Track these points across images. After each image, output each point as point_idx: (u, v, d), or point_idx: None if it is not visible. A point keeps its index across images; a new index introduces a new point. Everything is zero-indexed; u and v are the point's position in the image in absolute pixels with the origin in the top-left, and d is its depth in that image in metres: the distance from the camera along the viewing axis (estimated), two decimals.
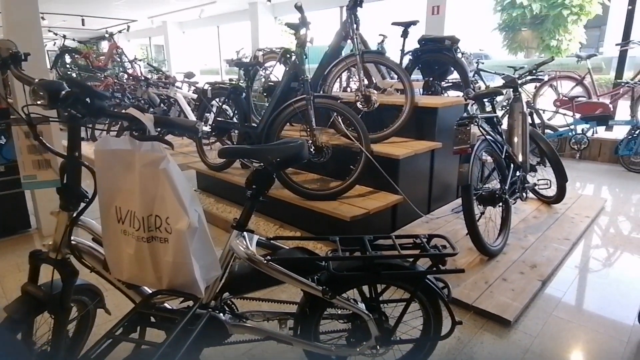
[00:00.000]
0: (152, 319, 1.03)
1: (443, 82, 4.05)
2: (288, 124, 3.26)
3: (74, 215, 1.14)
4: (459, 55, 3.73)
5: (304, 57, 2.78)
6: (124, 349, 0.96)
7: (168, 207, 1.04)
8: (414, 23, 3.78)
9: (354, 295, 1.38)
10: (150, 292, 1.16)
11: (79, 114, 1.05)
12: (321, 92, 3.00)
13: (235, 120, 3.38)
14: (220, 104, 3.64)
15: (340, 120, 2.97)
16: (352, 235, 1.42)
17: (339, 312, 1.45)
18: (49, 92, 0.98)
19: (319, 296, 1.29)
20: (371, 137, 2.74)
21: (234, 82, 3.62)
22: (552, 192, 3.17)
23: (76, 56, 8.36)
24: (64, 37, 8.39)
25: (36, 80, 1.02)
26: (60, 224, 1.14)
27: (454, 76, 4.05)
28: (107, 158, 1.07)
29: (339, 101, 2.64)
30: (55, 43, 9.06)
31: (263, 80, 4.34)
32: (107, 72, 7.45)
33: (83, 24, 11.43)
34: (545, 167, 3.20)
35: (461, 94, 4.02)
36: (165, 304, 1.25)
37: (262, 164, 1.24)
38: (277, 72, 4.14)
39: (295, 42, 2.81)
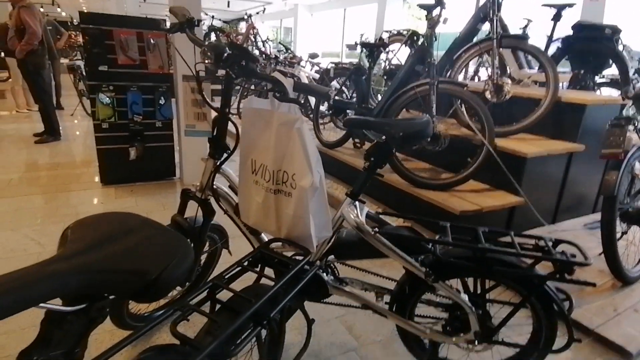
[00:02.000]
0: (270, 262, 1.14)
1: (596, 77, 3.49)
2: (405, 109, 3.20)
3: (218, 163, 1.32)
4: (620, 47, 3.16)
5: (434, 39, 2.66)
6: (245, 281, 1.10)
7: (296, 165, 1.12)
8: (570, 5, 3.30)
9: (457, 286, 1.32)
10: (269, 239, 1.29)
11: (234, 74, 1.20)
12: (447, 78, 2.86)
13: (352, 101, 3.44)
14: (340, 84, 3.74)
15: (463, 109, 2.80)
16: (464, 225, 1.35)
17: (438, 299, 1.40)
18: (215, 53, 1.14)
19: (420, 278, 1.27)
20: (497, 130, 2.53)
21: (356, 64, 3.68)
22: None
23: (220, 34, 9.38)
24: (212, 17, 9.46)
25: (206, 42, 1.19)
26: (207, 169, 1.35)
27: (610, 72, 3.45)
28: (250, 115, 1.21)
29: (465, 88, 2.48)
30: (204, 22, 10.31)
31: (383, 64, 4.31)
32: None
33: (228, 6, 12.75)
34: None
35: (617, 93, 3.43)
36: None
37: (384, 137, 1.25)
38: (400, 56, 4.06)
39: (423, 25, 2.71)
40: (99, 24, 3.03)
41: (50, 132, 4.61)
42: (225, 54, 1.18)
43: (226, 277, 1.00)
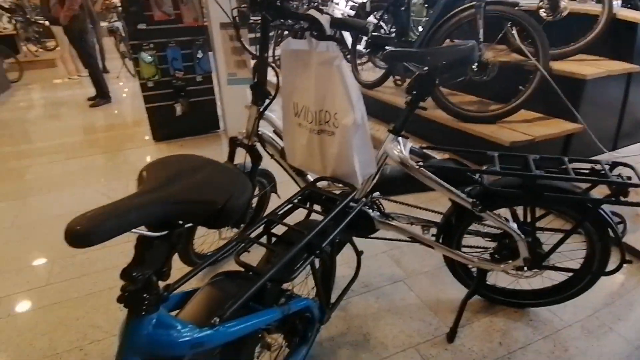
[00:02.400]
0: (318, 199, 1.20)
1: None
2: (448, 40, 2.99)
3: (261, 109, 1.36)
4: None
5: None
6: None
7: (337, 103, 1.13)
8: None
9: (505, 215, 1.32)
10: (315, 178, 1.34)
11: (270, 17, 1.19)
12: None
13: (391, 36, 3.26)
14: (378, 19, 3.53)
15: (514, 32, 2.57)
16: (513, 153, 1.31)
17: (486, 230, 1.42)
18: None
19: (467, 209, 1.28)
20: (552, 53, 2.32)
21: None
22: None
23: None
24: None
25: None
26: (251, 115, 1.39)
27: None
28: (289, 58, 1.20)
29: (517, 8, 2.26)
30: None
31: None
32: None
33: None
34: None
35: None
36: None
37: (426, 67, 1.20)
38: None
39: None
40: None
41: (102, 95, 4.87)
42: None
43: (279, 213, 1.08)
